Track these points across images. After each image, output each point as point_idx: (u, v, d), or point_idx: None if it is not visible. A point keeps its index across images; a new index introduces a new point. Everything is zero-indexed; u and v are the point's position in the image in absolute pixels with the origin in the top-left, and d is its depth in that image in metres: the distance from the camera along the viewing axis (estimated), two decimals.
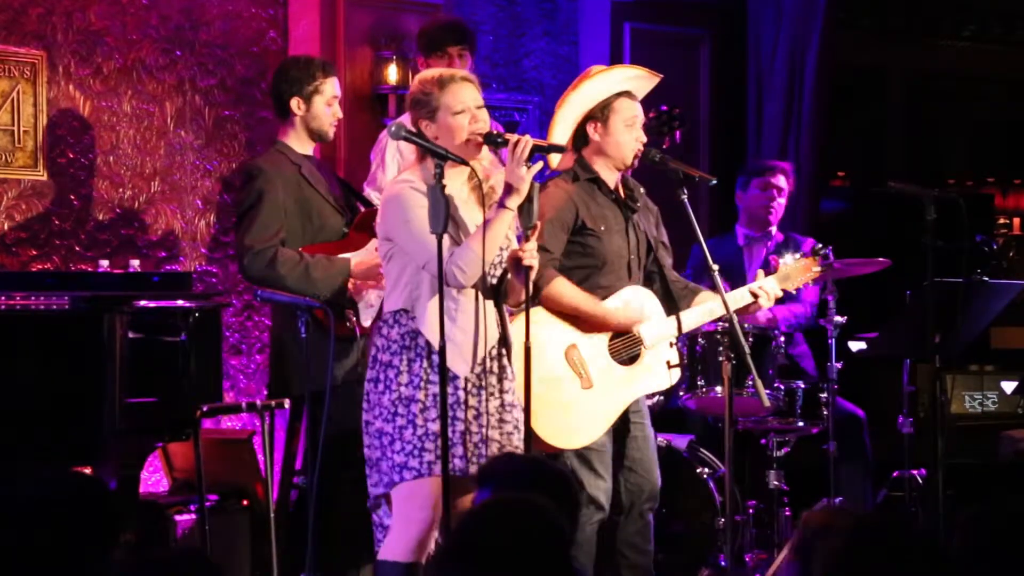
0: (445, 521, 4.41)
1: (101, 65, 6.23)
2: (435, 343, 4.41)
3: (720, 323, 5.34)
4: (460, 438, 4.47)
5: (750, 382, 5.40)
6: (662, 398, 5.83)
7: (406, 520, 4.47)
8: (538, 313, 5.01)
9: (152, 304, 5.01)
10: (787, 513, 6.16)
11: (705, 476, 6.13)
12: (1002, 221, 9.68)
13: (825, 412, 6.15)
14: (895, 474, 6.72)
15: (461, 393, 4.50)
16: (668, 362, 5.29)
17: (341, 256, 5.35)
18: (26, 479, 3.19)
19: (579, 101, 5.19)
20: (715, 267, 5.12)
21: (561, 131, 5.18)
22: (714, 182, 5.42)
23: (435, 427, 4.42)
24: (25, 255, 6.04)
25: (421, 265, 4.46)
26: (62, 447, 4.78)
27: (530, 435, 4.60)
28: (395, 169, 5.60)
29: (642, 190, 5.37)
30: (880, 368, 7.23)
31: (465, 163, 4.50)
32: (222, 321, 5.51)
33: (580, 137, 5.22)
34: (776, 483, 6.18)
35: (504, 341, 4.62)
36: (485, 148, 4.58)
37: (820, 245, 5.62)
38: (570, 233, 5.18)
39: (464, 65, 5.82)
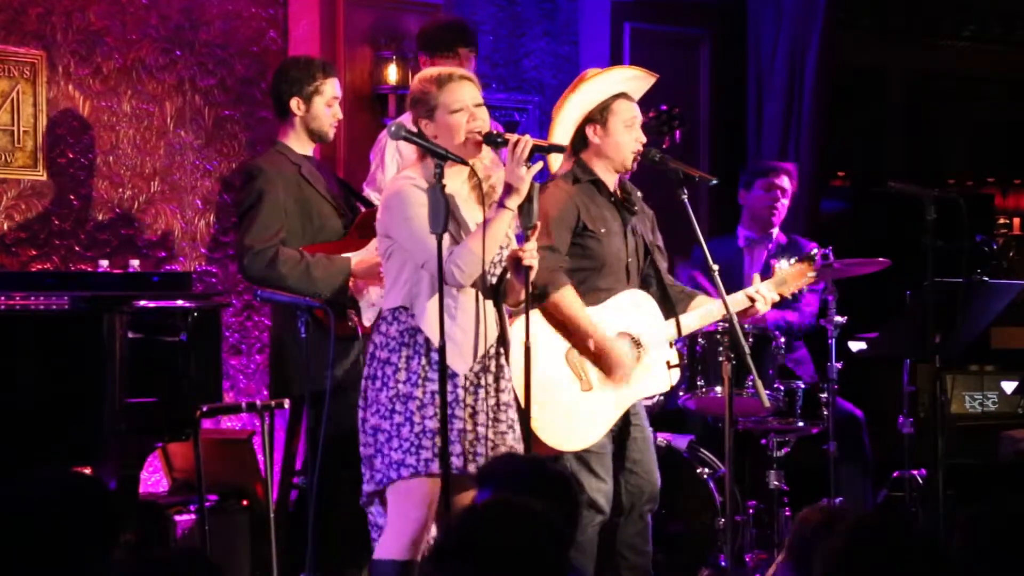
0: (444, 519, 4.40)
1: (101, 65, 6.23)
2: (434, 340, 4.41)
3: (720, 323, 5.34)
4: (457, 436, 4.47)
5: (750, 382, 5.41)
6: (662, 398, 5.83)
7: (402, 518, 4.47)
8: (539, 314, 5.01)
9: (152, 304, 5.01)
10: (787, 513, 6.16)
11: (705, 476, 6.13)
12: (1002, 221, 9.68)
13: (825, 412, 6.16)
14: (895, 474, 6.72)
15: (460, 391, 4.50)
16: (668, 362, 5.29)
17: (342, 255, 5.35)
18: (26, 479, 3.19)
19: (577, 104, 5.19)
20: (715, 267, 5.12)
21: (561, 135, 5.17)
22: (714, 182, 5.42)
23: (432, 424, 4.42)
24: (25, 255, 6.04)
25: (420, 263, 4.46)
26: (62, 447, 4.78)
27: (530, 436, 4.60)
28: (394, 169, 5.60)
29: (639, 194, 5.37)
30: (880, 368, 7.23)
31: (464, 163, 4.50)
32: (222, 321, 5.51)
33: (579, 140, 5.22)
34: (776, 483, 6.18)
35: (503, 340, 4.62)
36: (487, 147, 4.58)
37: (818, 250, 5.62)
38: (571, 234, 5.17)
39: (469, 65, 5.81)
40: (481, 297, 4.55)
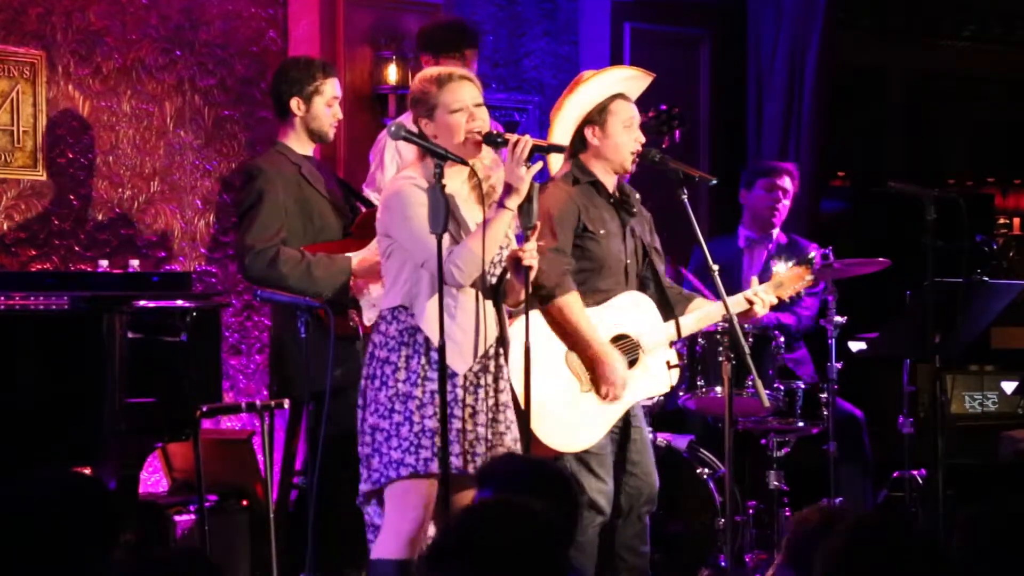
0: (444, 519, 4.40)
1: (100, 65, 6.23)
2: (434, 340, 4.41)
3: (720, 324, 5.34)
4: (456, 436, 4.47)
5: (750, 382, 5.41)
6: (662, 398, 5.83)
7: (400, 517, 4.46)
8: (541, 315, 5.00)
9: (152, 304, 5.00)
10: (787, 513, 6.16)
11: (705, 476, 6.13)
12: (1002, 221, 9.68)
13: (825, 412, 6.16)
14: (895, 474, 6.72)
15: (459, 391, 4.50)
16: (668, 362, 5.29)
17: (342, 254, 5.35)
18: (26, 479, 3.19)
19: (575, 105, 5.19)
20: (715, 267, 5.12)
21: (559, 137, 5.17)
22: (714, 182, 5.42)
23: (432, 424, 4.41)
24: (24, 255, 6.04)
25: (420, 263, 4.46)
26: (62, 447, 4.78)
27: (530, 437, 4.60)
28: (394, 170, 5.60)
29: (637, 196, 5.37)
30: (880, 368, 7.22)
31: (464, 163, 4.50)
32: (222, 321, 5.51)
33: (577, 142, 5.21)
34: (776, 483, 6.19)
35: (502, 341, 4.62)
36: (488, 147, 4.58)
37: (815, 252, 5.62)
38: (573, 235, 5.17)
39: (472, 66, 5.80)
40: (481, 297, 4.55)
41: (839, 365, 6.15)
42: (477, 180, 4.54)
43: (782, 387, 5.93)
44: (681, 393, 5.82)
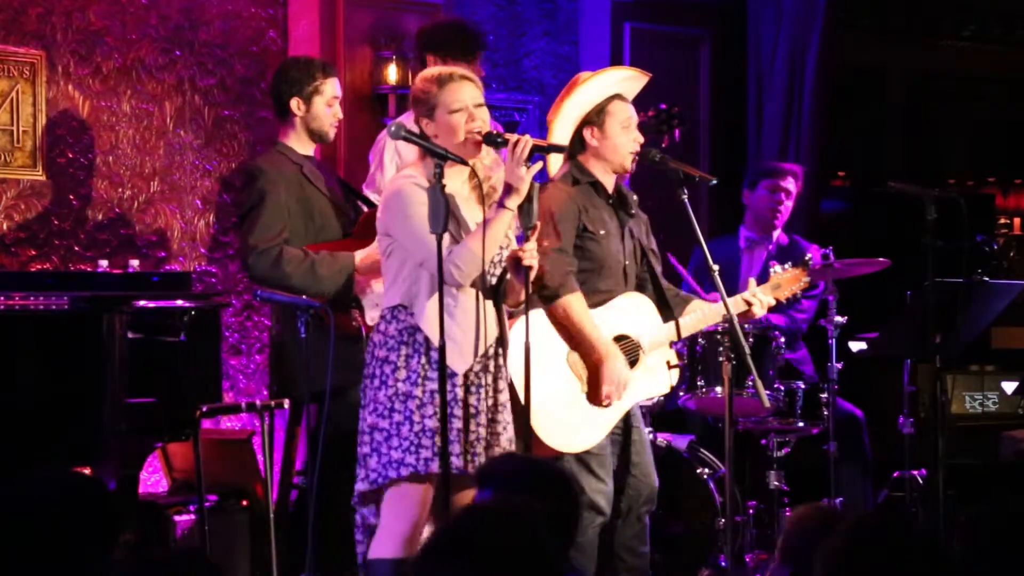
0: (444, 518, 4.40)
1: (100, 65, 6.23)
2: (434, 339, 4.41)
3: (720, 324, 5.34)
4: (457, 436, 4.47)
5: (750, 382, 5.41)
6: (662, 399, 5.83)
7: (398, 517, 4.46)
8: (542, 316, 5.00)
9: (151, 304, 5.00)
10: (787, 513, 6.15)
11: (705, 476, 6.13)
12: (1003, 221, 9.68)
13: (825, 412, 6.16)
14: (896, 474, 6.72)
15: (459, 391, 4.50)
16: (668, 362, 5.29)
17: (345, 252, 5.34)
18: (26, 479, 3.19)
19: (574, 106, 5.19)
20: (715, 267, 5.12)
21: (558, 139, 5.17)
22: (714, 182, 5.41)
23: (432, 424, 4.41)
24: (24, 255, 6.03)
25: (419, 262, 4.46)
26: (62, 447, 4.78)
27: (530, 437, 4.60)
28: (393, 170, 5.59)
29: (635, 197, 5.37)
30: (880, 368, 7.22)
31: (464, 163, 4.50)
32: (221, 321, 5.51)
33: (576, 143, 5.21)
34: (776, 483, 6.19)
35: (502, 341, 4.62)
36: (489, 148, 4.58)
37: (811, 255, 5.62)
38: (574, 234, 5.17)
39: (480, 71, 5.79)
40: (481, 297, 4.55)
41: (839, 365, 6.15)
42: (477, 180, 4.54)
43: (782, 387, 5.93)
44: (681, 393, 5.82)
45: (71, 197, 6.16)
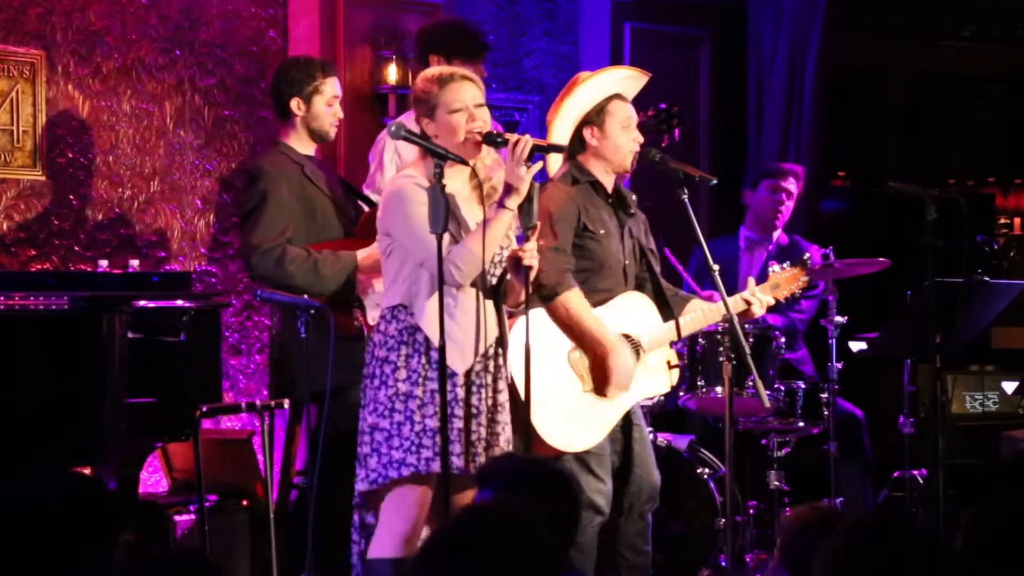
0: (445, 518, 4.39)
1: (100, 65, 6.23)
2: (434, 339, 4.41)
3: (720, 323, 5.34)
4: (458, 436, 4.47)
5: (750, 382, 5.41)
6: (662, 398, 5.83)
7: (398, 517, 4.46)
8: (543, 315, 5.00)
9: (151, 304, 5.00)
10: (787, 513, 6.15)
11: (705, 476, 6.13)
12: (1003, 221, 9.68)
13: (825, 412, 6.16)
14: (896, 474, 6.72)
15: (459, 391, 4.50)
16: (668, 362, 5.29)
17: (348, 252, 5.34)
18: (26, 479, 3.19)
19: (574, 106, 5.19)
20: (715, 267, 5.12)
21: (559, 139, 5.17)
22: (714, 182, 5.41)
23: (433, 424, 4.41)
24: (24, 255, 6.03)
25: (419, 262, 4.46)
26: (62, 447, 4.78)
27: (530, 436, 4.60)
28: (393, 171, 5.59)
29: (634, 197, 5.37)
30: (881, 368, 7.22)
31: (464, 163, 4.50)
32: (221, 321, 5.51)
33: (576, 143, 5.21)
34: (777, 483, 6.19)
35: (502, 341, 4.62)
36: (491, 148, 4.58)
37: (809, 254, 5.62)
38: (573, 234, 5.17)
39: (483, 72, 5.78)
40: (481, 297, 4.55)
41: (839, 365, 6.15)
42: (478, 180, 4.54)
43: (782, 387, 5.93)
44: (681, 393, 5.82)
45: (71, 197, 6.16)
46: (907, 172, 8.49)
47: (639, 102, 5.33)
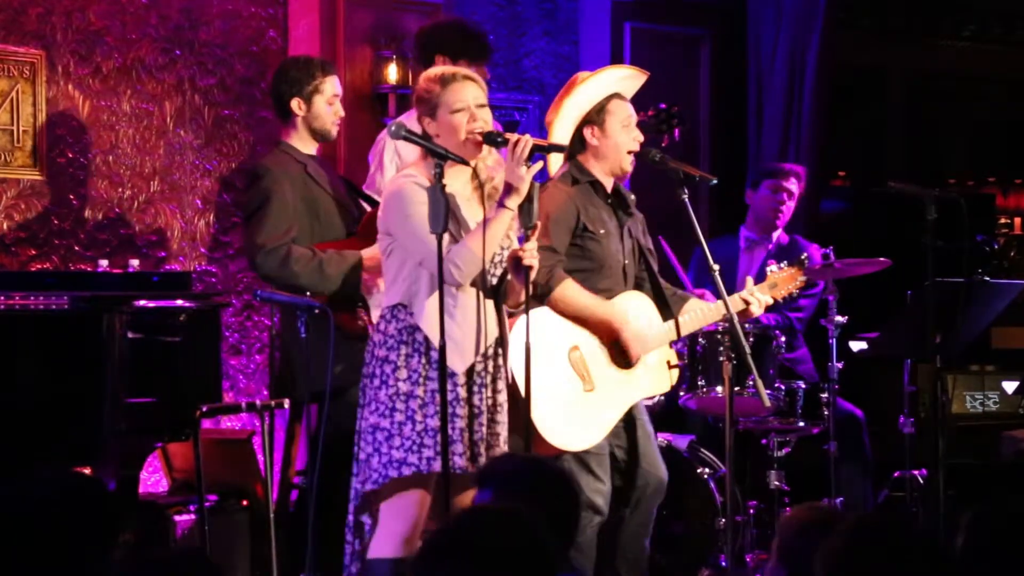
0: (445, 518, 4.39)
1: (100, 65, 6.23)
2: (433, 339, 4.41)
3: (720, 323, 5.34)
4: (459, 435, 4.47)
5: (751, 382, 5.41)
6: (662, 398, 5.83)
7: (398, 516, 4.46)
8: (543, 314, 5.01)
9: (151, 304, 5.00)
10: (785, 513, 6.15)
11: (706, 476, 6.12)
12: (1003, 221, 9.68)
13: (825, 412, 6.16)
14: (896, 474, 6.72)
15: (460, 390, 4.50)
16: (668, 362, 5.30)
17: (352, 251, 5.34)
18: (26, 479, 3.19)
19: (574, 106, 5.19)
20: (716, 267, 5.12)
21: (559, 139, 5.17)
22: (714, 182, 5.41)
23: (434, 423, 4.41)
24: (24, 255, 6.03)
25: (419, 262, 4.46)
26: (62, 447, 4.78)
27: (530, 436, 4.60)
28: (393, 171, 5.60)
29: (633, 197, 5.37)
30: (881, 368, 7.22)
31: (464, 162, 4.50)
32: (221, 321, 5.51)
33: (576, 142, 5.22)
34: (777, 483, 6.18)
35: (502, 341, 4.62)
36: (492, 148, 4.58)
37: (806, 254, 5.62)
38: (571, 235, 5.17)
39: (486, 74, 5.78)
40: (481, 297, 4.55)
41: (840, 365, 6.15)
42: (479, 180, 4.54)
43: (783, 387, 5.93)
44: (682, 393, 5.82)
45: (71, 197, 6.16)
46: (907, 172, 8.49)
47: (639, 102, 5.33)
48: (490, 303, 4.59)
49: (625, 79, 5.28)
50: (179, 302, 5.07)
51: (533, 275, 4.52)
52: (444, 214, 4.31)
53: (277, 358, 5.81)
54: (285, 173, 5.42)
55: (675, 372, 5.35)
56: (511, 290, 4.63)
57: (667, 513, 5.91)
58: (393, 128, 4.49)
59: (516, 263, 4.51)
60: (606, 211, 5.25)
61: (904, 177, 6.30)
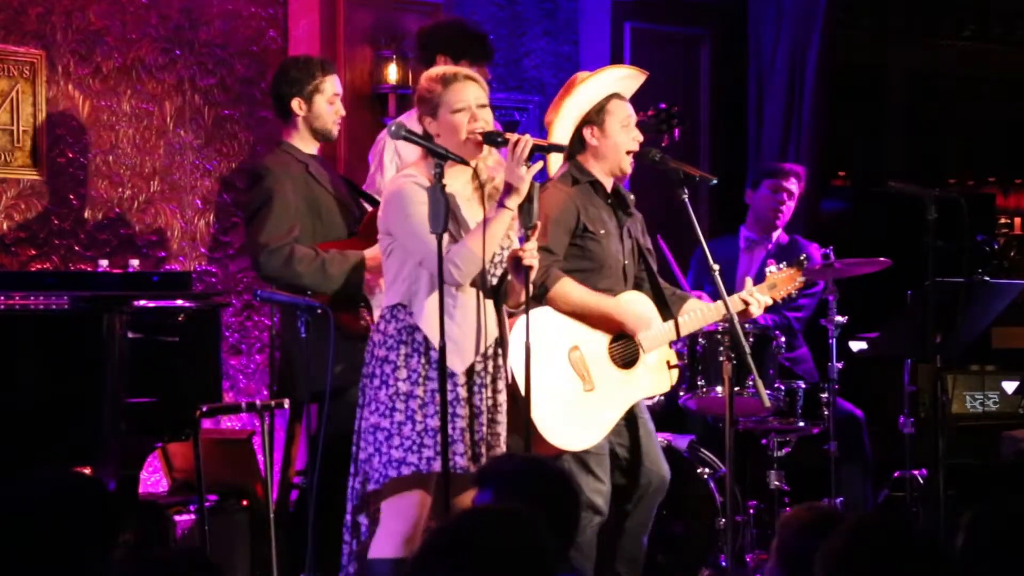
0: (445, 518, 4.39)
1: (100, 64, 6.23)
2: (432, 339, 4.41)
3: (720, 323, 5.34)
4: (460, 435, 4.47)
5: (751, 382, 5.41)
6: (662, 398, 5.83)
7: (399, 516, 4.46)
8: (544, 314, 5.01)
9: (151, 304, 5.00)
10: (784, 514, 6.14)
11: (706, 476, 6.12)
12: (1003, 221, 9.68)
13: (826, 412, 6.16)
14: (896, 474, 6.72)
15: (460, 390, 4.49)
16: (668, 362, 5.30)
17: (355, 251, 5.34)
18: (26, 479, 3.19)
19: (574, 106, 5.19)
20: (716, 267, 5.12)
21: (559, 139, 5.17)
22: (714, 182, 5.42)
23: (434, 423, 4.41)
24: (24, 255, 6.03)
25: (418, 261, 4.46)
26: (62, 447, 4.78)
27: (530, 436, 4.60)
28: (393, 171, 5.60)
29: (632, 197, 5.37)
30: (881, 368, 7.22)
31: (464, 162, 4.50)
32: (221, 321, 5.51)
33: (575, 143, 5.22)
34: (777, 483, 6.18)
35: (502, 341, 4.62)
36: (494, 149, 4.58)
37: (805, 255, 5.62)
38: (571, 236, 5.18)
39: (487, 74, 5.78)
40: (481, 297, 4.55)
41: (840, 365, 6.15)
42: (479, 180, 4.55)
43: (783, 387, 5.93)
44: (681, 393, 5.82)
45: (71, 197, 6.16)
46: (907, 172, 8.48)
47: (639, 102, 5.33)
48: (490, 303, 4.59)
49: (624, 79, 5.29)
50: (179, 302, 5.07)
51: (533, 275, 4.52)
52: (444, 214, 4.31)
53: (277, 358, 5.82)
54: (287, 173, 5.42)
55: (675, 372, 5.35)
56: (511, 290, 4.63)
57: (667, 513, 5.90)
58: (393, 128, 4.48)
59: (516, 263, 4.51)
60: (606, 211, 5.25)
61: (904, 177, 6.30)
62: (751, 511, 6.16)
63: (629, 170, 5.27)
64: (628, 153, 5.22)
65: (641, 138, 5.26)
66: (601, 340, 5.16)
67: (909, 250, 6.08)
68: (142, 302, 4.96)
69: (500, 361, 4.61)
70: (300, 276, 5.25)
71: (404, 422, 4.44)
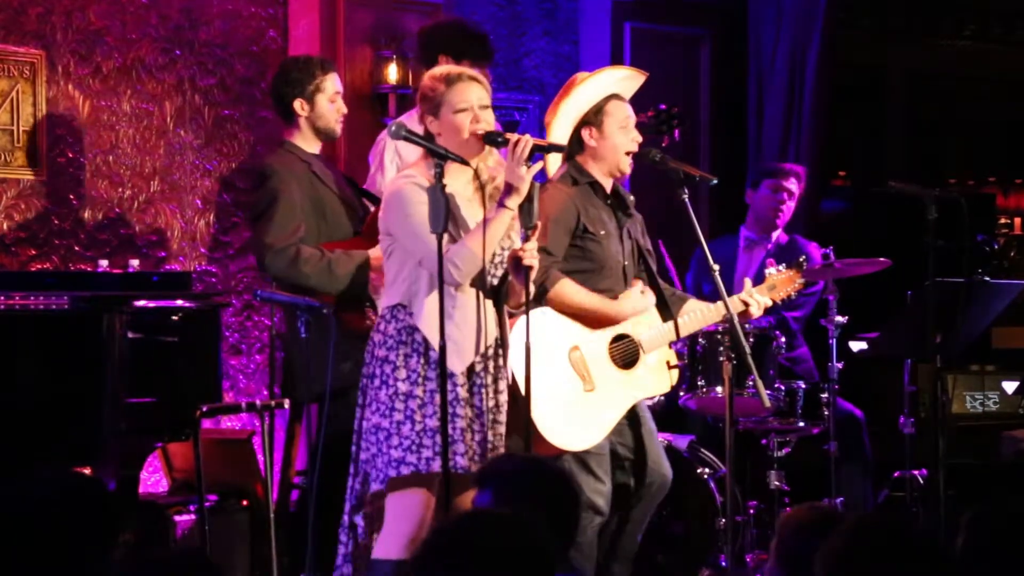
0: (443, 518, 4.39)
1: (100, 64, 6.23)
2: (432, 340, 4.41)
3: (720, 323, 5.34)
4: (460, 435, 4.46)
5: (751, 382, 5.41)
6: (662, 398, 5.83)
7: (401, 517, 4.46)
8: (544, 315, 5.01)
9: (151, 304, 5.00)
10: (784, 514, 6.14)
11: (706, 476, 6.12)
12: (1003, 221, 9.68)
13: (826, 412, 6.16)
14: (896, 474, 6.71)
15: (460, 390, 4.49)
16: (668, 362, 5.30)
17: (360, 251, 5.34)
18: (26, 479, 3.19)
19: (573, 107, 5.19)
20: (716, 267, 5.12)
21: (558, 139, 5.17)
22: (715, 182, 5.42)
23: (433, 423, 4.41)
24: (24, 255, 6.03)
25: (418, 261, 4.46)
26: (62, 447, 4.78)
27: (530, 436, 4.60)
28: (393, 171, 5.59)
29: (631, 198, 5.37)
30: (881, 368, 7.22)
31: (465, 163, 4.49)
32: (221, 321, 5.51)
33: (574, 143, 5.22)
34: (777, 483, 6.18)
35: (502, 341, 4.62)
36: (495, 149, 4.58)
37: (804, 256, 5.62)
38: (571, 236, 5.18)
39: (488, 75, 5.78)
40: (481, 297, 4.55)
41: (840, 365, 6.15)
42: (480, 181, 4.55)
43: (783, 387, 5.93)
44: (682, 393, 5.82)
45: (71, 197, 6.16)
46: (907, 172, 8.48)
47: (639, 102, 5.33)
48: (490, 303, 4.59)
49: (624, 80, 5.29)
50: (179, 302, 5.07)
51: (533, 275, 4.52)
52: (444, 214, 4.31)
53: (278, 358, 5.81)
54: (291, 173, 5.42)
55: (675, 372, 5.35)
56: (512, 291, 4.63)
57: (667, 513, 5.91)
58: (393, 128, 4.48)
59: (516, 263, 4.50)
60: (606, 212, 5.26)
61: (904, 177, 6.30)
62: (751, 511, 6.16)
63: (628, 171, 5.27)
64: (627, 154, 5.23)
65: (640, 139, 5.26)
66: (601, 340, 5.16)
67: (909, 250, 6.08)
68: (142, 302, 4.96)
69: (501, 361, 4.60)
70: (307, 277, 5.25)
71: (403, 422, 4.44)
